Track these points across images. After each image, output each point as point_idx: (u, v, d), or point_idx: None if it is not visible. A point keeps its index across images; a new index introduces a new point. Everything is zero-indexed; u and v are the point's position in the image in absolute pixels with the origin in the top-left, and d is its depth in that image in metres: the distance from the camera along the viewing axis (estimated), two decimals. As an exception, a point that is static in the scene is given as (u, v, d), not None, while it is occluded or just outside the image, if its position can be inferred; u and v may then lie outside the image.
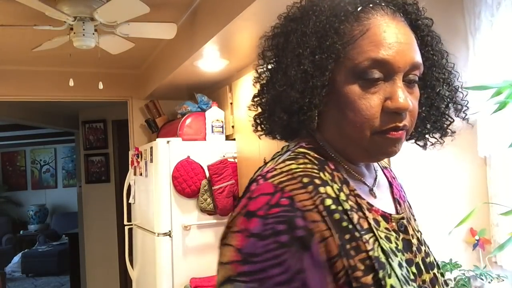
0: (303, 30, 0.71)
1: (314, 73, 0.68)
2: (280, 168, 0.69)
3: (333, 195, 0.67)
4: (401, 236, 0.75)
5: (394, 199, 0.82)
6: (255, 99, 0.79)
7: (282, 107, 0.72)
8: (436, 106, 0.80)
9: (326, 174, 0.70)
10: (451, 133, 0.84)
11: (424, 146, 0.85)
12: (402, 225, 0.76)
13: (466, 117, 0.83)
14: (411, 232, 0.77)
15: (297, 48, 0.70)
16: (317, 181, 0.67)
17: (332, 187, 0.68)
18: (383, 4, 0.71)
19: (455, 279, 2.11)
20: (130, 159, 4.19)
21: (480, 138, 2.32)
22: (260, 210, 0.62)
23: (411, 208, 0.90)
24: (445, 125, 0.83)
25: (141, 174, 3.82)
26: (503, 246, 1.94)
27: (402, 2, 0.74)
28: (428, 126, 0.82)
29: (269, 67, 0.77)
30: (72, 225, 7.65)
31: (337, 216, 0.65)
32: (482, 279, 2.09)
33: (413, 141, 0.85)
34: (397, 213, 0.79)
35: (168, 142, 3.46)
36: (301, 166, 0.69)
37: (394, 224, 0.74)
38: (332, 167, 0.72)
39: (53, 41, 2.97)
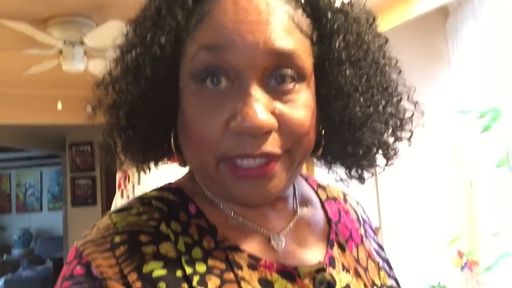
0: (150, 8, 0.51)
1: (142, 68, 0.49)
2: (101, 223, 0.51)
3: (172, 254, 0.48)
4: None
5: (329, 243, 0.56)
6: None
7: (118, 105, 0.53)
8: (344, 122, 0.52)
9: (174, 224, 0.50)
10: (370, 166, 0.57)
11: (360, 179, 0.58)
12: (322, 282, 0.51)
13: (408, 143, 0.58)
14: None
15: (136, 34, 0.52)
16: (143, 239, 0.48)
17: (174, 243, 0.48)
18: None
19: (443, 301, 2.12)
20: (117, 182, 4.16)
21: (465, 161, 2.36)
22: (58, 286, 0.47)
23: (380, 253, 0.64)
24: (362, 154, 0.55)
25: (128, 197, 3.78)
26: (490, 268, 1.96)
27: None
28: (335, 147, 0.55)
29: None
30: (57, 250, 7.50)
31: (162, 286, 0.45)
32: (470, 301, 2.10)
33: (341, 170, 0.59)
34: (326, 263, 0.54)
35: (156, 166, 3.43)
36: (130, 218, 0.50)
37: (307, 281, 0.50)
38: (193, 211, 0.52)
39: (42, 65, 2.98)
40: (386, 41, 0.56)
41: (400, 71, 0.56)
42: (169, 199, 0.53)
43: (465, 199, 2.39)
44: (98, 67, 3.06)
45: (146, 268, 0.46)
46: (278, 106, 0.46)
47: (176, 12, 0.48)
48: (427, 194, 2.36)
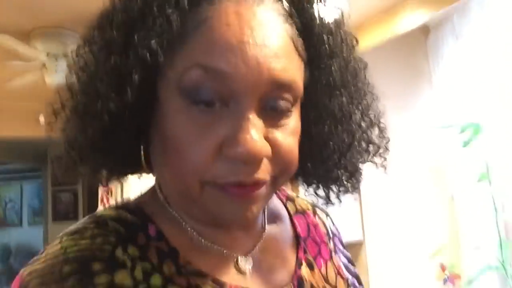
0: (126, 7, 0.45)
1: (120, 77, 0.44)
2: (50, 248, 0.47)
3: (128, 283, 0.44)
4: None
5: (297, 262, 0.56)
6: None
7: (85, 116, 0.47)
8: (329, 146, 0.52)
9: (131, 249, 0.46)
10: (350, 187, 0.56)
11: (327, 199, 0.57)
12: None
13: (382, 162, 0.56)
14: None
15: (109, 32, 0.45)
16: (96, 267, 0.44)
17: (130, 270, 0.45)
18: None
19: (427, 315, 2.13)
20: (99, 196, 4.11)
21: (447, 175, 2.40)
22: None
23: (349, 268, 0.64)
24: (341, 176, 0.54)
25: (111, 212, 3.74)
26: (472, 281, 1.98)
27: None
28: (319, 171, 0.54)
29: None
30: (37, 265, 7.35)
31: None
32: (453, 315, 2.11)
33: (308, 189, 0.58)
34: (298, 283, 0.53)
35: (140, 177, 3.40)
36: (83, 242, 0.46)
37: None
38: (153, 233, 0.49)
39: (25, 77, 2.95)
40: (366, 65, 0.55)
41: (376, 97, 0.56)
42: (127, 219, 0.49)
43: (447, 213, 2.42)
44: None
45: None
46: (271, 131, 0.44)
47: (168, 13, 0.42)
48: (410, 208, 2.38)
